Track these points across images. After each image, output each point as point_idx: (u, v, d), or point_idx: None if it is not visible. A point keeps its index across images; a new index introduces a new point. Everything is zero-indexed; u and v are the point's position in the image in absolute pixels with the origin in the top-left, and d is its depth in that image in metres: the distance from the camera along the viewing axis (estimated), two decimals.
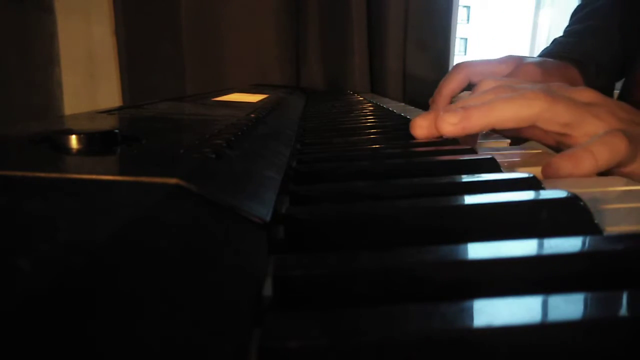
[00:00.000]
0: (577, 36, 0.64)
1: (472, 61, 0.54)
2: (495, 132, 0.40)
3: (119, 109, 0.36)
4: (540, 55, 0.61)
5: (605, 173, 0.27)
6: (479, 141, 0.37)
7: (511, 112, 0.30)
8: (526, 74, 0.50)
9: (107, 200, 0.12)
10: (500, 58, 0.54)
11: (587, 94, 0.32)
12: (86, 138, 0.18)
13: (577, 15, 0.69)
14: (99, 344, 0.07)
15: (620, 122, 0.30)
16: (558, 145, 0.34)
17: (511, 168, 0.28)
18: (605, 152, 0.26)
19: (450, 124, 0.31)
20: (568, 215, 0.17)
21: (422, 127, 0.33)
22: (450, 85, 0.52)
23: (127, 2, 1.02)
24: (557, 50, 0.60)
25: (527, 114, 0.30)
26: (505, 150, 0.34)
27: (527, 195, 0.18)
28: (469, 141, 0.34)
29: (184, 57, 1.04)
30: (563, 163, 0.26)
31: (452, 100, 0.53)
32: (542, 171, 0.27)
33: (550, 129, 0.31)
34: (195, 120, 0.34)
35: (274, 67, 1.08)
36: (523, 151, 0.33)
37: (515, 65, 0.52)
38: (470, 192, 0.19)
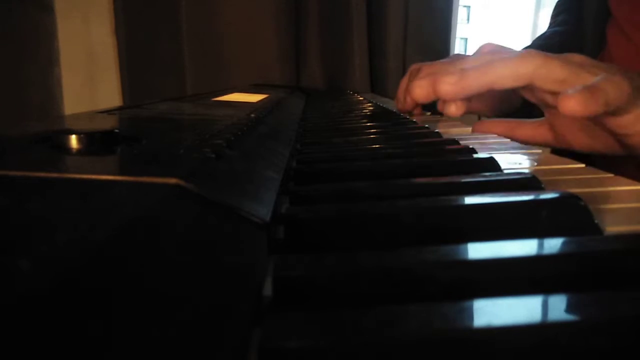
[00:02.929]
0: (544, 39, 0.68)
1: (426, 62, 0.54)
2: (494, 118, 0.40)
3: (119, 109, 0.36)
4: None
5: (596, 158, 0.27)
6: (480, 141, 0.37)
7: (508, 70, 0.31)
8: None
9: (107, 200, 0.12)
10: (449, 58, 0.55)
11: (578, 57, 0.33)
12: (86, 138, 0.18)
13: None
14: (99, 343, 0.07)
15: (614, 77, 0.30)
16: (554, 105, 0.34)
17: (511, 168, 0.28)
18: (614, 90, 0.27)
19: (449, 83, 0.32)
20: (568, 215, 0.17)
21: (421, 86, 0.34)
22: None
23: (127, 2, 1.02)
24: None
25: (524, 71, 0.31)
26: (506, 150, 0.34)
27: (527, 195, 0.18)
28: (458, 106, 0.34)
29: (184, 57, 1.04)
30: (580, 96, 0.26)
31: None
32: (560, 104, 0.27)
33: (547, 87, 0.31)
34: (195, 120, 0.34)
35: (274, 67, 1.08)
36: (523, 151, 0.33)
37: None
38: (470, 192, 0.19)
